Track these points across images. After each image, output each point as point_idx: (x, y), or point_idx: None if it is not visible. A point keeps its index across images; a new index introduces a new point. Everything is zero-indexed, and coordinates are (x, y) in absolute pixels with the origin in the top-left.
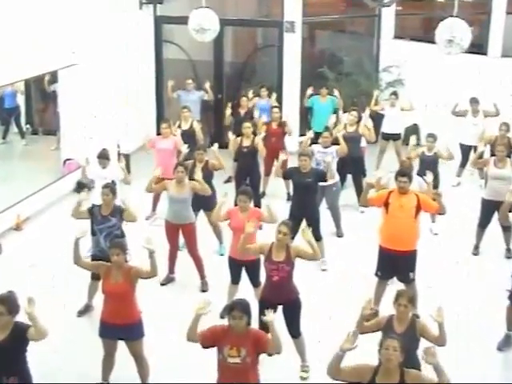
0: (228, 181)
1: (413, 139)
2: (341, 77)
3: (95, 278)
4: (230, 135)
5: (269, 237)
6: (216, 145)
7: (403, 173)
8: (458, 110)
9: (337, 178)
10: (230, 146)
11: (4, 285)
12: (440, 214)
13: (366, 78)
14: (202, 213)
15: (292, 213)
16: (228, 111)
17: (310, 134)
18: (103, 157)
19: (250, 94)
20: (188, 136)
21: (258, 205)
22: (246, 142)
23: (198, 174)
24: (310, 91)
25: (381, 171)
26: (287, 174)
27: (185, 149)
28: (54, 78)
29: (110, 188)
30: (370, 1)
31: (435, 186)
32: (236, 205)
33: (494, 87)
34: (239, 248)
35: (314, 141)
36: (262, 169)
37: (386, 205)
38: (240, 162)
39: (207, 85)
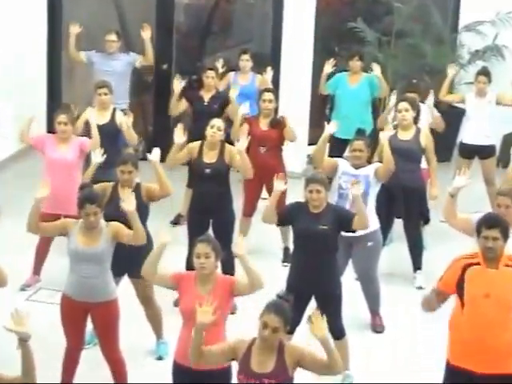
0: (176, 222)
1: None
2: (388, 39)
3: None
4: (177, 133)
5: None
6: (157, 151)
7: (493, 222)
8: None
9: (375, 223)
10: (172, 156)
11: None
12: None
13: (434, 43)
14: (126, 280)
15: (292, 284)
16: (177, 84)
17: (332, 127)
18: None
19: (220, 64)
20: (108, 136)
21: (229, 269)
22: (210, 156)
23: (130, 203)
24: (329, 67)
25: (462, 177)
26: (286, 216)
27: (98, 158)
28: None
29: None
30: None
31: None
32: (189, 268)
33: None
34: (191, 353)
35: (338, 154)
36: (237, 204)
37: (460, 290)
38: (198, 192)
39: (147, 39)
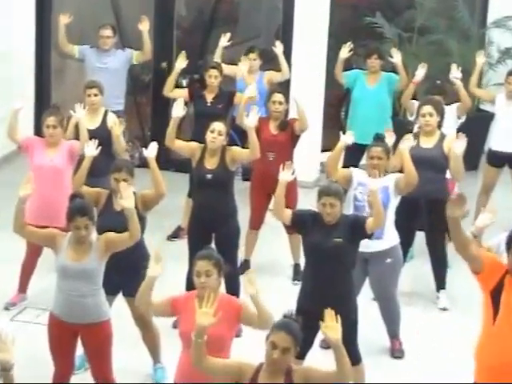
0: (175, 236)
1: None
2: (410, 36)
3: None
4: (176, 107)
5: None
6: (154, 146)
7: None
8: None
9: (394, 237)
10: (171, 134)
11: None
12: None
13: (460, 40)
14: (120, 299)
15: (303, 304)
16: (181, 61)
17: (348, 138)
18: None
19: (226, 38)
20: (99, 141)
21: (234, 287)
22: (212, 162)
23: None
24: (345, 51)
25: (486, 215)
26: (301, 220)
27: (91, 150)
28: None
29: None
30: None
31: None
32: (190, 287)
33: None
34: (193, 361)
35: (354, 162)
36: (243, 216)
37: (496, 294)
38: (199, 201)
39: (145, 32)
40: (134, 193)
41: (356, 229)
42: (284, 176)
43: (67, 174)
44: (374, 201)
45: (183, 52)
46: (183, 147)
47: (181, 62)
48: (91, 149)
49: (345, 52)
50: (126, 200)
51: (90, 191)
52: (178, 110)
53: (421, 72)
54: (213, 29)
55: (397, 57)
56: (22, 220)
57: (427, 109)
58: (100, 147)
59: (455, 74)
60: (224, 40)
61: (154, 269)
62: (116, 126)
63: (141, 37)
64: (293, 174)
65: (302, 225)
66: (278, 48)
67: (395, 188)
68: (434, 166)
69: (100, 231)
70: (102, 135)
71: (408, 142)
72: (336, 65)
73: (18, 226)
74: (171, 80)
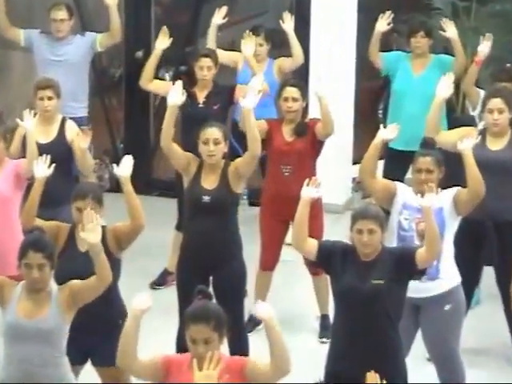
0: (160, 283)
1: None
2: (467, 6)
3: None
4: (160, 39)
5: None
6: (128, 161)
7: None
8: None
9: (454, 276)
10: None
11: None
12: None
13: None
14: (89, 365)
15: (334, 368)
16: (163, 41)
17: (390, 132)
18: None
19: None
20: (55, 159)
21: (240, 351)
22: (211, 181)
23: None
24: (383, 23)
25: None
26: (327, 254)
27: (42, 170)
28: None
29: None
30: None
31: None
32: (182, 347)
33: None
34: None
35: (397, 175)
36: (251, 251)
37: None
38: (193, 231)
39: (112, 5)
40: (104, 227)
41: (403, 263)
42: (307, 192)
43: (15, 203)
44: (428, 221)
45: (164, 28)
46: (180, 155)
47: (162, 41)
48: (42, 168)
49: (383, 24)
50: (90, 233)
51: (46, 225)
52: (176, 96)
53: (485, 47)
54: (204, 4)
55: (451, 30)
56: None
57: (496, 103)
58: (56, 166)
59: None
60: (218, 17)
61: (140, 303)
62: (79, 139)
63: (108, 15)
64: (317, 191)
65: (330, 261)
66: (287, 24)
67: (455, 206)
68: (507, 174)
69: (60, 277)
70: (58, 151)
71: (471, 139)
72: (371, 41)
73: None
74: (150, 66)
